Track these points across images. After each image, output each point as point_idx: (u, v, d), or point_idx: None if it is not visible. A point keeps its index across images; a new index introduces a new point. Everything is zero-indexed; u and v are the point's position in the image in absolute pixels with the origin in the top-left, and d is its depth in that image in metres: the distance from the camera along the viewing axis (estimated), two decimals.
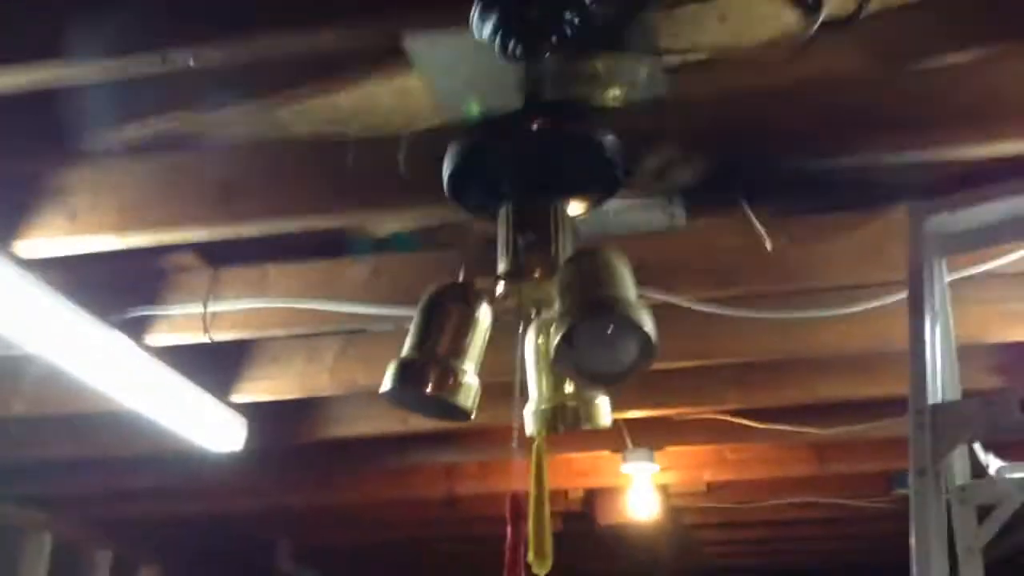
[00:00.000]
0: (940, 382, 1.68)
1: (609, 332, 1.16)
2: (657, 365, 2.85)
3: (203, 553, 5.74)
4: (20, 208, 2.08)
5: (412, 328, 1.32)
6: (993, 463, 1.72)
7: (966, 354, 3.03)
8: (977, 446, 1.68)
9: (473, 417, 1.34)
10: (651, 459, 3.79)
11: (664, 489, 4.67)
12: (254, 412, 3.20)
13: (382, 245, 2.60)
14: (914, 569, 1.41)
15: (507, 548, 1.32)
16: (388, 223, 2.51)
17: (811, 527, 5.23)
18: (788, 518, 5.08)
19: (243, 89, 2.11)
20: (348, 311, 2.47)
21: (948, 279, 2.27)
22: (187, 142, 2.24)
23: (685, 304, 2.41)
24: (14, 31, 1.61)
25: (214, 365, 2.99)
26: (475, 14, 1.39)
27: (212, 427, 3.13)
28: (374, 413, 3.34)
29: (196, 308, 2.56)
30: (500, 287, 1.31)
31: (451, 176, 1.30)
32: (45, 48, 1.57)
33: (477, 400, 1.34)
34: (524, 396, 1.36)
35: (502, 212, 1.33)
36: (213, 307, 2.56)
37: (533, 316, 1.32)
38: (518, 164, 1.32)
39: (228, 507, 4.72)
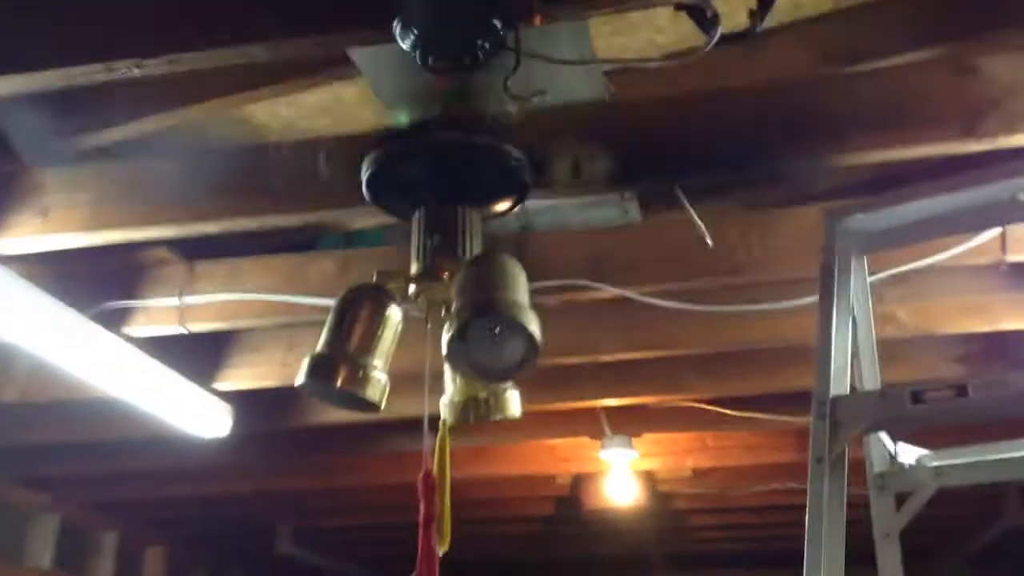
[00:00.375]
0: (856, 375, 1.76)
1: (497, 331, 1.24)
2: (628, 355, 3.00)
3: (206, 536, 5.90)
4: None
5: (326, 325, 1.41)
6: (907, 452, 1.79)
7: (932, 344, 3.14)
8: (884, 436, 1.75)
9: (382, 409, 1.42)
10: (629, 445, 3.87)
11: (650, 475, 4.76)
12: (244, 399, 3.31)
13: (351, 240, 2.70)
14: (806, 553, 1.49)
15: (421, 522, 1.42)
16: (355, 221, 2.60)
17: (799, 513, 5.29)
18: (776, 504, 5.15)
19: (209, 91, 2.21)
20: (316, 304, 2.56)
21: (893, 272, 2.35)
22: (157, 143, 2.35)
23: (637, 298, 2.49)
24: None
25: (198, 355, 3.10)
26: (397, 29, 1.48)
27: (197, 414, 3.24)
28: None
29: (172, 301, 2.67)
30: (412, 288, 1.39)
31: (368, 181, 1.39)
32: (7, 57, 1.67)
33: (385, 393, 1.43)
34: (436, 389, 1.45)
35: (415, 216, 1.42)
36: (188, 300, 2.66)
37: (443, 314, 1.40)
38: (428, 172, 1.40)
39: (229, 490, 4.84)
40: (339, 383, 1.36)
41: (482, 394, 1.44)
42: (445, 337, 1.23)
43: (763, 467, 4.48)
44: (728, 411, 3.57)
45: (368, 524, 5.69)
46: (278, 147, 2.14)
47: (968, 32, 2.06)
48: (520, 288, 1.28)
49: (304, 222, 2.14)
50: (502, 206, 1.46)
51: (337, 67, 2.05)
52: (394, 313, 1.41)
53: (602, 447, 3.90)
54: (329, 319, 1.41)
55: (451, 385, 1.46)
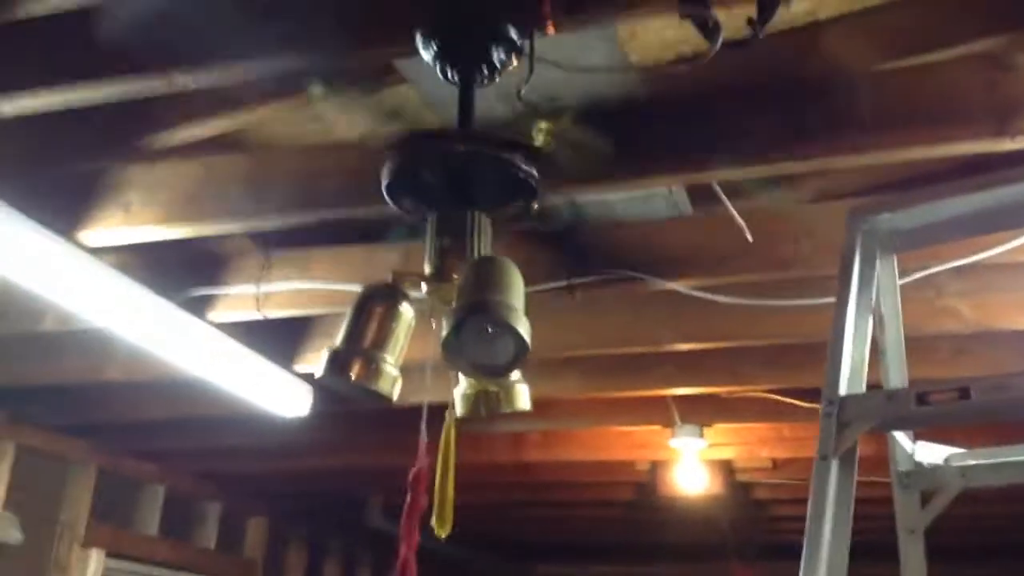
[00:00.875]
0: (882, 374, 1.78)
1: (489, 331, 1.33)
2: (684, 346, 3.03)
3: (304, 509, 6.19)
4: (84, 202, 2.40)
5: (344, 322, 1.52)
6: (933, 451, 1.79)
7: (1002, 340, 3.05)
8: (901, 435, 1.76)
9: (395, 399, 1.53)
10: (699, 435, 3.89)
11: (727, 465, 4.77)
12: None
13: (415, 231, 2.82)
14: (804, 551, 1.52)
15: (404, 514, 1.52)
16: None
17: (886, 505, 5.19)
18: (864, 496, 5.06)
19: (274, 93, 2.35)
20: None
21: (959, 263, 2.32)
22: (229, 142, 2.52)
23: (687, 292, 2.53)
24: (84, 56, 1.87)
25: (278, 339, 3.28)
26: (419, 43, 1.58)
27: (281, 393, 3.44)
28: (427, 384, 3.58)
29: (250, 288, 2.85)
30: (424, 287, 1.49)
31: (388, 183, 1.49)
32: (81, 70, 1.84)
33: (396, 386, 1.53)
34: (438, 382, 1.55)
35: (429, 219, 1.52)
36: (265, 288, 2.84)
37: None
38: (436, 179, 1.49)
39: (322, 466, 5.06)
40: (353, 376, 1.47)
41: (492, 388, 1.53)
42: (442, 334, 1.32)
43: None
44: (798, 402, 3.56)
45: (458, 503, 5.86)
46: (331, 148, 2.27)
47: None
48: (515, 291, 1.35)
49: (353, 216, 2.27)
50: (513, 208, 1.54)
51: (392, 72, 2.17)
52: (406, 311, 1.51)
53: (672, 435, 3.94)
54: (347, 316, 1.52)
55: (464, 379, 1.55)
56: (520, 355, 1.32)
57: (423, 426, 1.51)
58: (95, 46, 1.72)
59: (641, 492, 5.26)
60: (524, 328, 1.30)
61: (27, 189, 2.35)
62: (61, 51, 1.76)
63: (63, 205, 2.41)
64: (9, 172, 2.29)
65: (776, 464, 4.74)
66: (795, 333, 2.79)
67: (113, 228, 2.39)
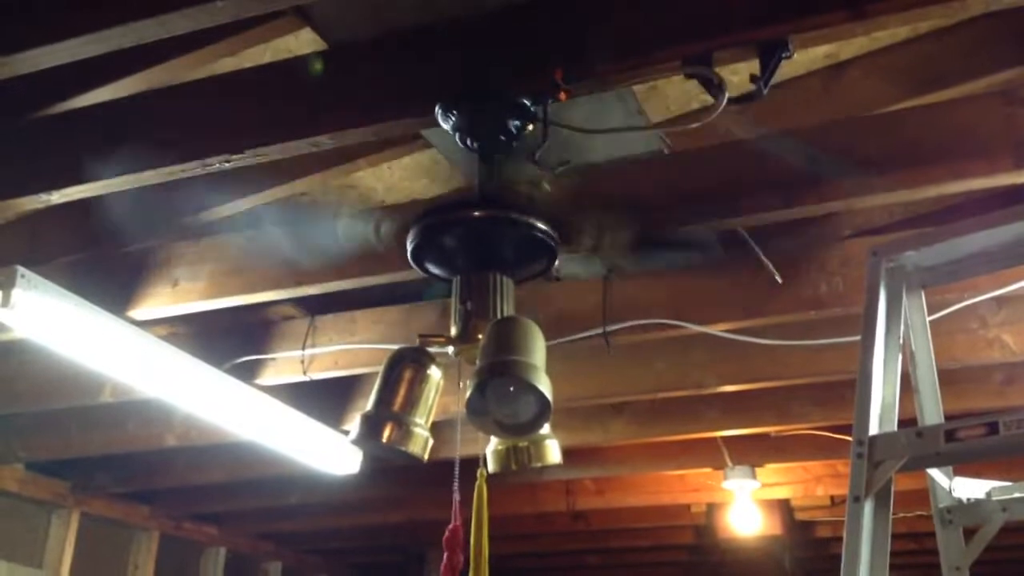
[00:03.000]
0: (917, 410, 1.78)
1: (512, 391, 1.36)
2: (733, 387, 3.02)
3: (364, 564, 6.22)
4: (134, 281, 2.50)
5: (375, 385, 1.57)
6: (974, 486, 1.78)
7: None
8: (938, 472, 1.75)
9: (426, 459, 1.57)
10: (751, 476, 3.86)
11: (785, 504, 4.71)
12: None
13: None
14: None
15: (443, 572, 1.55)
16: None
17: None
18: (925, 530, 4.96)
19: (312, 165, 2.43)
20: None
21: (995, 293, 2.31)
22: (267, 217, 2.61)
23: (720, 335, 2.55)
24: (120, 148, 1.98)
25: (326, 399, 3.35)
26: (438, 114, 1.64)
27: (330, 453, 3.50)
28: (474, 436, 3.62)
29: (296, 352, 2.93)
30: (451, 348, 1.54)
31: (413, 250, 1.55)
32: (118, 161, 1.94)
33: (428, 446, 1.57)
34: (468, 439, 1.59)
35: (455, 282, 1.57)
36: (310, 351, 2.92)
37: None
38: (460, 244, 1.55)
39: (379, 521, 5.12)
40: (385, 439, 1.52)
41: (522, 443, 1.56)
42: (466, 394, 1.37)
43: (907, 493, 4.34)
44: (848, 438, 3.51)
45: (504, 552, 5.86)
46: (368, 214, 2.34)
47: None
48: (536, 351, 1.39)
49: (389, 281, 2.33)
50: (534, 270, 1.59)
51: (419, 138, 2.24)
52: (434, 373, 1.56)
53: (724, 477, 3.91)
54: (378, 380, 1.57)
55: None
56: (543, 412, 1.36)
57: (455, 484, 1.55)
58: (131, 137, 1.82)
59: (700, 535, 5.21)
60: (545, 386, 1.34)
61: (80, 270, 2.47)
62: (101, 142, 1.86)
63: (115, 284, 2.52)
64: (62, 255, 2.40)
65: (835, 501, 4.67)
66: (840, 370, 2.77)
67: (162, 305, 2.48)
